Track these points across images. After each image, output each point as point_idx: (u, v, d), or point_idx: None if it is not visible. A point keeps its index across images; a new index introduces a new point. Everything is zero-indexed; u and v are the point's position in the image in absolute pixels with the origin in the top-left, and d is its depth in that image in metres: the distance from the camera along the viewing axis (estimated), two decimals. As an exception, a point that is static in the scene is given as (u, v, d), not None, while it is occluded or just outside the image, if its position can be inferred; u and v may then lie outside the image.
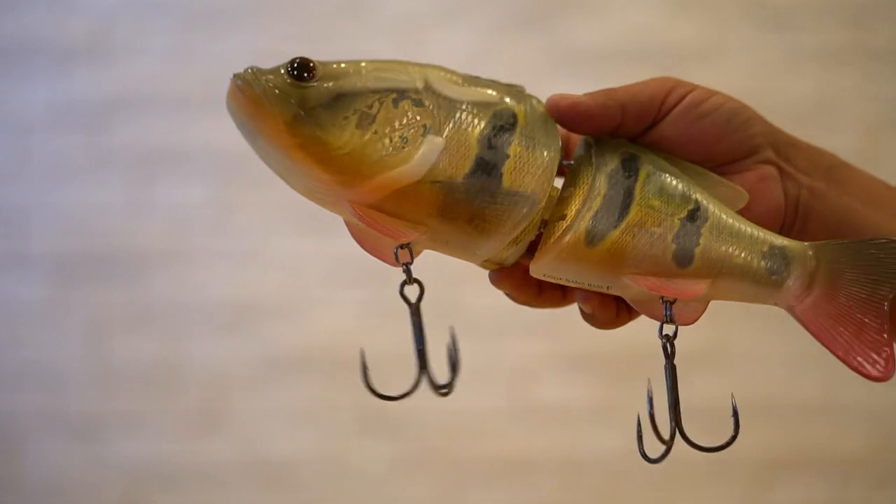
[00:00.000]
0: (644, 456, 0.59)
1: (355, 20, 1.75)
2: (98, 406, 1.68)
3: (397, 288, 0.58)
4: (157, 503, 1.68)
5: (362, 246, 0.58)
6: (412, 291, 0.59)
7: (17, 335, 1.70)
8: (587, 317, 0.63)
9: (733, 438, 0.60)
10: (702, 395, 1.73)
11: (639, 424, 0.60)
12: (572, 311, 0.62)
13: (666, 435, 0.59)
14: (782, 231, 0.63)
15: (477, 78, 0.60)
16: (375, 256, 0.58)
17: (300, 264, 1.66)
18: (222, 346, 1.69)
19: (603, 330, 0.63)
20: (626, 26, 1.74)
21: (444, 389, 0.59)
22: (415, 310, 0.59)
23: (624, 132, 0.61)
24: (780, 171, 0.63)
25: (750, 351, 1.68)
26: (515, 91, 0.59)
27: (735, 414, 0.62)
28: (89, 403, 1.68)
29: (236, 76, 0.56)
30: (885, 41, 1.76)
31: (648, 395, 0.60)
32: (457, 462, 1.67)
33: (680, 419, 0.59)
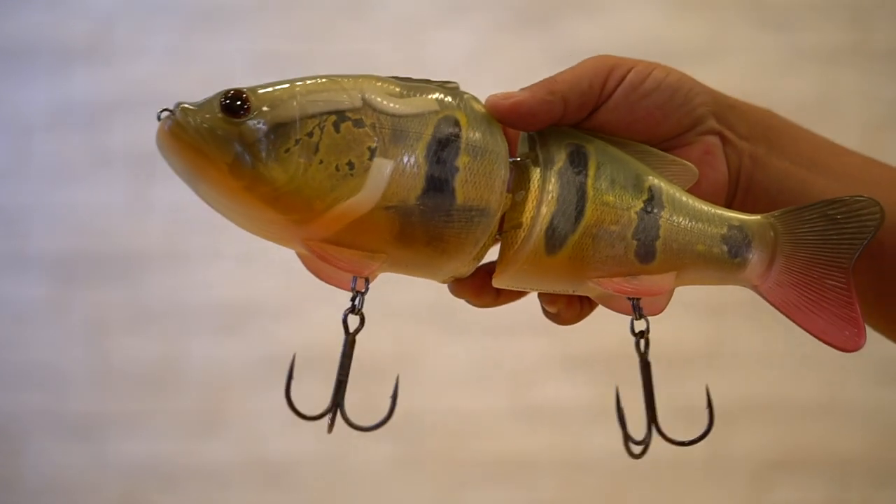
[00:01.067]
0: (629, 452, 0.58)
1: (355, 20, 1.75)
2: (98, 406, 1.68)
3: (363, 303, 0.56)
4: (156, 503, 1.68)
5: (316, 275, 0.56)
6: (354, 321, 0.57)
7: (16, 335, 1.70)
8: (552, 316, 0.61)
9: (707, 432, 0.58)
10: (702, 395, 1.73)
11: (621, 421, 0.59)
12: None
13: (637, 435, 0.58)
14: (727, 202, 0.62)
15: (411, 82, 0.57)
16: (332, 284, 0.56)
17: (300, 264, 1.65)
18: (222, 346, 1.68)
19: (567, 325, 0.62)
20: (626, 26, 1.74)
21: (361, 429, 0.57)
22: (350, 341, 0.57)
23: (567, 121, 0.59)
24: (723, 138, 0.62)
25: (750, 351, 1.68)
26: (452, 91, 0.57)
27: (709, 405, 0.60)
28: (89, 403, 1.68)
29: (166, 117, 0.54)
30: (885, 41, 1.76)
31: (617, 398, 0.59)
32: (457, 462, 1.67)
33: (656, 417, 0.58)
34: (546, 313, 0.62)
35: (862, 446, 1.68)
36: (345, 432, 0.58)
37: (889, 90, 1.75)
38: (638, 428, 0.59)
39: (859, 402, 1.69)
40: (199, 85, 1.72)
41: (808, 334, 0.58)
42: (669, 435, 0.58)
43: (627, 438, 0.58)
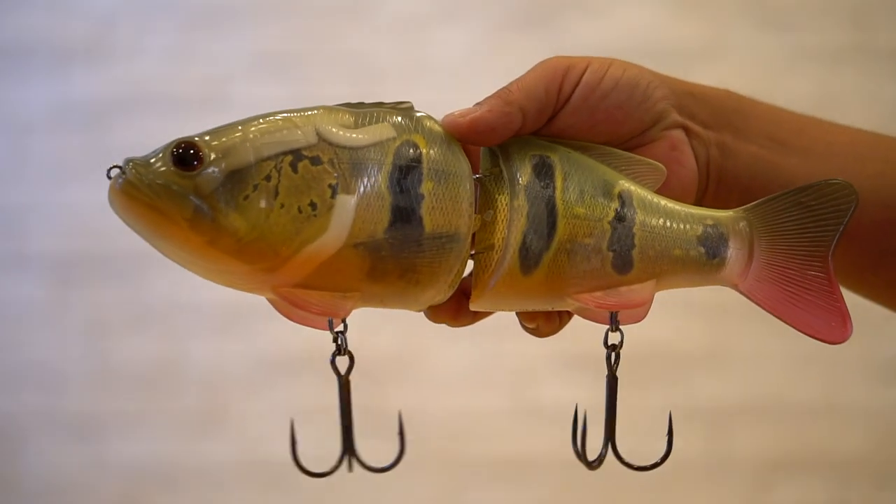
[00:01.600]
0: (582, 459, 0.57)
1: (355, 20, 1.75)
2: (97, 406, 1.68)
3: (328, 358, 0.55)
4: (156, 503, 1.68)
5: (289, 318, 0.55)
6: (343, 362, 0.55)
7: (16, 335, 1.70)
8: (531, 331, 0.61)
9: (665, 457, 0.57)
10: (702, 395, 1.73)
11: (574, 424, 0.58)
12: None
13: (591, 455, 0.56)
14: (699, 196, 0.61)
15: (363, 108, 0.55)
16: (306, 325, 0.54)
17: (300, 264, 1.65)
18: (222, 346, 1.68)
19: (546, 338, 0.61)
20: (626, 26, 1.74)
21: (376, 469, 0.56)
22: (344, 383, 0.56)
23: (527, 131, 0.57)
24: (687, 131, 0.60)
25: (750, 351, 1.68)
26: (406, 113, 0.55)
27: (669, 432, 0.58)
28: (88, 403, 1.68)
29: (116, 175, 0.52)
30: (885, 41, 1.76)
31: (575, 417, 0.58)
32: (457, 462, 1.66)
33: (614, 435, 0.57)
34: (525, 328, 0.61)
35: (863, 447, 1.68)
36: (337, 459, 0.57)
37: (890, 90, 1.75)
38: (631, 432, 0.58)
39: (860, 402, 1.69)
40: (199, 85, 1.73)
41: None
42: (670, 435, 0.57)
43: (581, 455, 0.57)
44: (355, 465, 0.57)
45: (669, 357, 1.61)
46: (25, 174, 1.73)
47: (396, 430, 0.57)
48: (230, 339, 1.68)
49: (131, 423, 1.68)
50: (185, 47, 1.74)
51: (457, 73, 1.66)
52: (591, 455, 0.57)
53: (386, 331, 1.63)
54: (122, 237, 2.00)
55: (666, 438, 0.58)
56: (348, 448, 0.56)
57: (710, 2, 1.77)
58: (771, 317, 0.58)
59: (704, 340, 1.67)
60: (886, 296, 0.67)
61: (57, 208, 1.71)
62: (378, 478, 1.92)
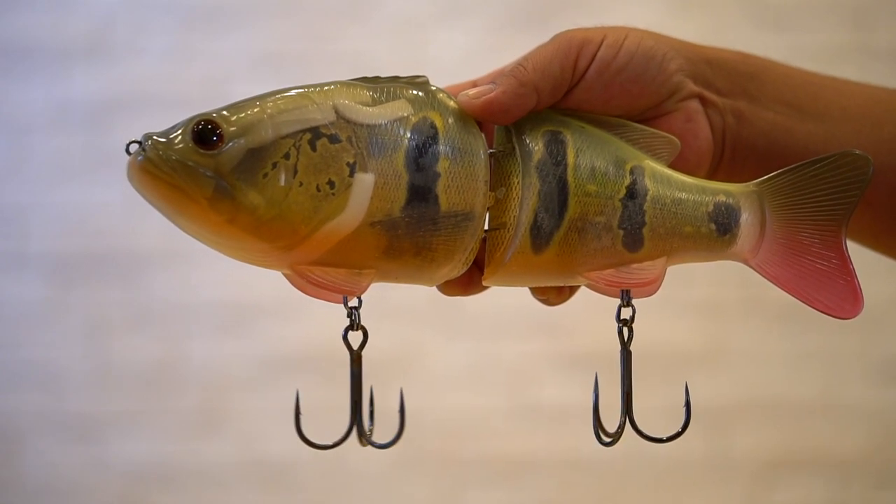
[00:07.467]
0: (600, 441, 0.56)
1: (355, 20, 1.75)
2: (97, 406, 1.68)
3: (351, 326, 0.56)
4: (156, 503, 1.68)
5: (305, 293, 0.55)
6: (355, 338, 0.56)
7: (15, 335, 1.70)
8: (541, 300, 0.61)
9: (683, 428, 0.57)
10: (702, 395, 1.73)
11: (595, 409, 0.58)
12: (573, 311, 0.62)
13: (611, 428, 0.56)
14: (713, 165, 0.61)
15: (379, 83, 0.55)
16: (322, 299, 0.55)
17: (300, 264, 1.65)
18: (222, 346, 1.68)
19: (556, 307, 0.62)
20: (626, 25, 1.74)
21: (378, 445, 0.56)
22: (355, 358, 0.57)
23: (541, 108, 0.57)
24: (703, 100, 0.60)
25: (750, 351, 1.68)
26: (422, 87, 0.55)
27: (687, 404, 0.58)
28: (88, 403, 1.68)
29: (136, 152, 0.51)
30: (885, 41, 1.76)
31: (595, 391, 0.58)
32: (457, 462, 1.67)
33: (631, 409, 0.57)
34: (535, 298, 0.61)
35: (862, 447, 1.68)
36: (344, 432, 0.57)
37: (889, 90, 1.74)
38: (631, 431, 0.57)
39: (859, 402, 1.69)
40: (199, 85, 1.73)
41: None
42: (687, 407, 0.57)
43: (599, 429, 0.57)
44: (348, 448, 0.57)
45: (669, 357, 1.61)
46: (25, 174, 1.73)
47: (398, 410, 0.57)
48: (230, 339, 1.68)
49: (131, 423, 1.68)
50: (185, 47, 1.74)
51: (457, 73, 1.66)
52: (586, 452, 0.57)
53: (385, 331, 1.63)
54: (122, 237, 2.01)
55: (684, 410, 0.57)
56: (355, 420, 0.57)
57: (710, 2, 1.77)
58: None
59: (704, 340, 1.67)
60: None
61: (57, 208, 1.72)
62: (377, 477, 1.92)
